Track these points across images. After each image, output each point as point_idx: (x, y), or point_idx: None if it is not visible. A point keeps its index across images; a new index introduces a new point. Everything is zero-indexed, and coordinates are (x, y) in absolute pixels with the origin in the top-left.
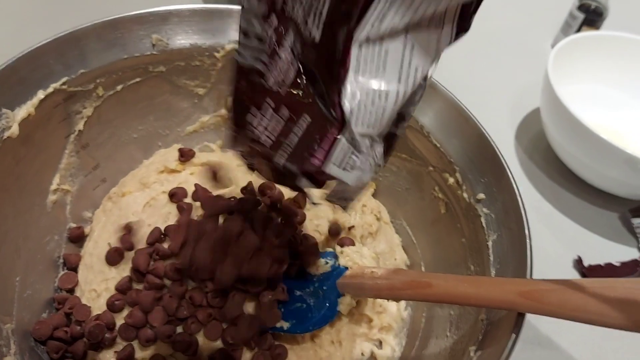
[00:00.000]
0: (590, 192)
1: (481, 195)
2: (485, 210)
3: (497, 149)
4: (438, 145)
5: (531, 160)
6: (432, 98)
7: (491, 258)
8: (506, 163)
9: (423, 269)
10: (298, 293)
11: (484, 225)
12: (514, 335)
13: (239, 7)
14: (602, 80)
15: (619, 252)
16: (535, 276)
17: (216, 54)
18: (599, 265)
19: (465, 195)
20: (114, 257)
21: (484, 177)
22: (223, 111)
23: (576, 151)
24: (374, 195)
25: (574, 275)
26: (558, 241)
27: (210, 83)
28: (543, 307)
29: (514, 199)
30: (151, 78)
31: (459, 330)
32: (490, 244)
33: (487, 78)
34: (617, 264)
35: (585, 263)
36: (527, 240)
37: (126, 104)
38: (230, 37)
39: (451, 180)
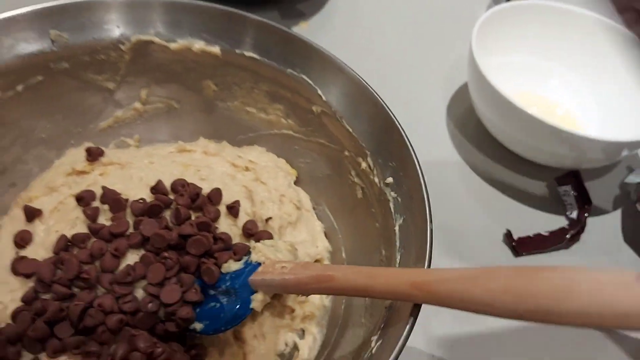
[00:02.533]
0: (519, 162)
1: (389, 180)
2: (393, 194)
3: (404, 132)
4: (350, 129)
5: (462, 135)
6: (340, 81)
7: (397, 243)
8: (412, 146)
9: (344, 254)
10: (212, 292)
11: (392, 209)
12: (411, 320)
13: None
14: (530, 50)
15: (549, 221)
16: (465, 251)
17: (121, 47)
18: (528, 237)
19: (376, 179)
20: (19, 267)
21: (392, 161)
22: (137, 104)
23: (502, 124)
24: (296, 183)
25: (504, 248)
26: (489, 215)
27: (119, 76)
28: (433, 297)
29: (417, 182)
30: (55, 75)
31: (372, 317)
32: (397, 228)
33: (418, 51)
34: (546, 234)
35: (516, 235)
36: (428, 225)
37: (30, 103)
38: (136, 29)
39: (364, 164)
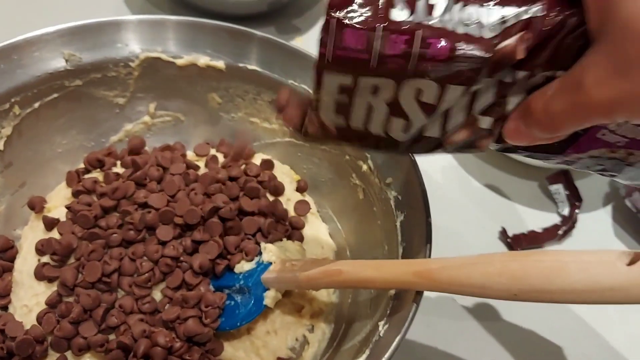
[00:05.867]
0: (512, 164)
1: (389, 180)
2: (393, 192)
3: None
4: None
5: None
6: None
7: (399, 237)
8: None
9: (348, 253)
10: (227, 291)
11: (393, 207)
12: (414, 305)
13: (145, 17)
14: None
15: (542, 219)
16: (463, 249)
17: (131, 64)
18: (523, 234)
19: (377, 180)
20: (42, 273)
21: (391, 162)
22: (146, 118)
23: None
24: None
25: (500, 246)
26: (484, 214)
27: (129, 92)
28: (435, 284)
29: (415, 180)
30: (69, 92)
31: (377, 307)
32: (398, 224)
33: None
34: (540, 231)
35: (510, 232)
36: (427, 218)
37: (46, 120)
38: (142, 46)
39: (365, 167)
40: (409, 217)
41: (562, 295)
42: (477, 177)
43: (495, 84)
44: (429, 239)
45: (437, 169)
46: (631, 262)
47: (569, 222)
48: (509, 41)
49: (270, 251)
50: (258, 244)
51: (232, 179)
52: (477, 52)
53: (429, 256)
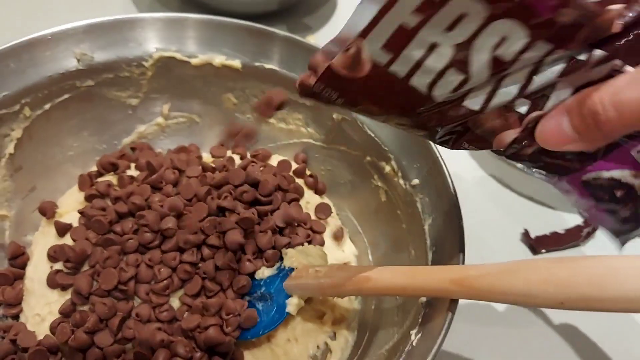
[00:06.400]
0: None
1: (415, 181)
2: (420, 195)
3: None
4: (372, 134)
5: None
6: None
7: (428, 242)
8: (436, 147)
9: (370, 257)
10: (248, 298)
11: (419, 210)
12: (449, 315)
13: (162, 15)
14: None
15: (564, 220)
16: (485, 251)
17: (144, 63)
18: (545, 236)
19: (401, 182)
20: (55, 280)
21: (416, 163)
22: (160, 119)
23: None
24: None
25: (522, 247)
26: (505, 216)
27: (142, 93)
28: (474, 292)
29: (445, 181)
30: (80, 93)
31: (405, 314)
32: (426, 227)
33: None
34: (562, 232)
35: (532, 234)
36: (460, 222)
37: (57, 121)
38: (156, 45)
39: (387, 168)
40: (438, 221)
41: (615, 304)
42: (499, 179)
43: (566, 60)
44: (462, 244)
45: (456, 172)
46: None
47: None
48: (615, 7)
49: (291, 257)
50: (279, 249)
51: (251, 184)
52: (590, 5)
53: (463, 262)
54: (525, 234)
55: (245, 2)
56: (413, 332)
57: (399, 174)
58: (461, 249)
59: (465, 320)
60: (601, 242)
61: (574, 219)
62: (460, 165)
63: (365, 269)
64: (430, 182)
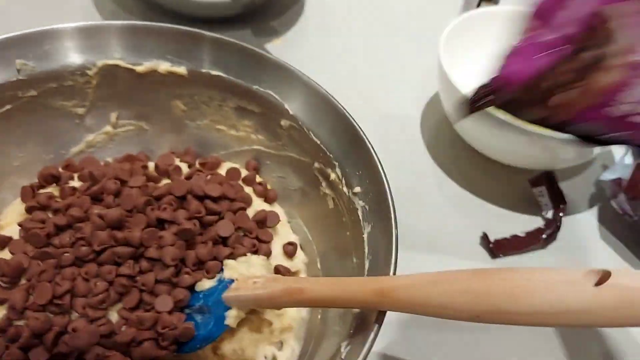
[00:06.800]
0: (493, 166)
1: (357, 189)
2: (361, 202)
3: (368, 140)
4: (318, 141)
5: (437, 143)
6: (304, 94)
7: (366, 249)
8: (376, 154)
9: (319, 265)
10: (187, 311)
11: (360, 217)
12: (376, 326)
13: (109, 22)
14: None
15: (525, 222)
16: (442, 254)
17: (88, 72)
18: (505, 239)
19: (345, 189)
20: None
21: (358, 170)
22: (108, 128)
23: (474, 130)
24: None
25: (481, 251)
26: (466, 219)
27: (88, 102)
28: (398, 304)
29: (382, 189)
30: (24, 103)
31: (345, 325)
32: (365, 236)
33: (391, 61)
34: (522, 235)
35: (492, 237)
36: (393, 230)
37: (0, 132)
38: (101, 54)
39: (333, 175)
40: (376, 229)
41: (529, 318)
42: (458, 180)
43: None
44: (394, 253)
45: (416, 172)
46: (599, 282)
47: (552, 226)
48: None
49: (232, 267)
50: (221, 260)
51: (194, 194)
52: None
53: (395, 272)
54: (484, 238)
55: (209, 6)
56: (343, 344)
57: (343, 181)
58: (393, 258)
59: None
60: (563, 245)
61: (535, 222)
62: (421, 169)
63: (299, 280)
64: (370, 190)
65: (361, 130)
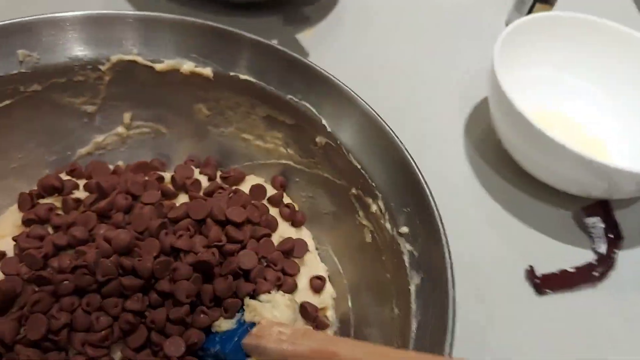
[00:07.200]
0: (542, 190)
1: (404, 229)
2: (408, 246)
3: (421, 174)
4: (359, 166)
5: (480, 156)
6: (348, 111)
7: (413, 306)
8: (431, 192)
9: (350, 303)
10: (200, 353)
11: (406, 264)
12: None
13: (126, 12)
14: (556, 65)
15: (574, 255)
16: (483, 288)
17: (101, 67)
18: (553, 274)
19: (388, 225)
20: None
21: (406, 207)
22: (120, 129)
23: (523, 147)
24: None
25: (526, 287)
26: (508, 246)
27: (100, 99)
28: None
29: (437, 236)
30: (25, 99)
31: None
32: (412, 288)
33: (433, 63)
34: (572, 270)
35: (538, 270)
36: (450, 292)
37: None
38: (116, 46)
39: (374, 207)
40: (426, 283)
41: None
42: (502, 202)
43: None
44: (450, 324)
45: (456, 189)
46: None
47: (606, 263)
48: None
49: (253, 309)
50: (241, 297)
51: (217, 220)
52: None
53: (450, 350)
54: (530, 272)
55: None
56: None
57: (386, 217)
58: (449, 331)
59: None
60: (617, 284)
61: (585, 255)
62: (461, 185)
63: (334, 341)
64: (421, 234)
65: (413, 160)
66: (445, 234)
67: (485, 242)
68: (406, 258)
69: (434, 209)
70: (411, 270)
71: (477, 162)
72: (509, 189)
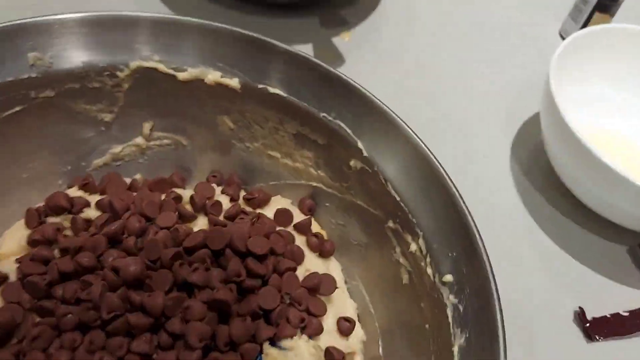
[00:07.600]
0: (595, 220)
1: (448, 277)
2: (452, 298)
3: (472, 219)
4: (398, 198)
5: (528, 178)
6: (388, 136)
7: None
8: (481, 238)
9: (380, 350)
10: None
11: (449, 319)
12: None
13: (146, 14)
14: (616, 81)
15: (630, 296)
16: (528, 332)
17: (119, 74)
18: (604, 318)
19: (429, 270)
20: None
21: (452, 251)
22: (139, 139)
23: (576, 173)
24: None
25: (575, 330)
26: (556, 283)
27: (117, 107)
28: None
29: (488, 293)
30: (37, 105)
31: None
32: (455, 349)
33: (481, 73)
34: (625, 314)
35: (589, 312)
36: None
37: (7, 138)
38: (135, 51)
39: (414, 246)
40: (473, 344)
41: None
42: (549, 231)
43: None
44: None
45: (500, 215)
46: None
47: None
48: None
49: (274, 359)
50: (260, 343)
51: (235, 251)
52: None
53: None
54: (581, 314)
55: None
56: None
57: (427, 260)
58: None
59: None
60: None
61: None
62: (506, 210)
63: None
64: (468, 285)
65: (462, 199)
66: (497, 290)
67: (531, 278)
68: (449, 312)
69: (484, 257)
70: (455, 327)
71: (524, 186)
72: (558, 217)
